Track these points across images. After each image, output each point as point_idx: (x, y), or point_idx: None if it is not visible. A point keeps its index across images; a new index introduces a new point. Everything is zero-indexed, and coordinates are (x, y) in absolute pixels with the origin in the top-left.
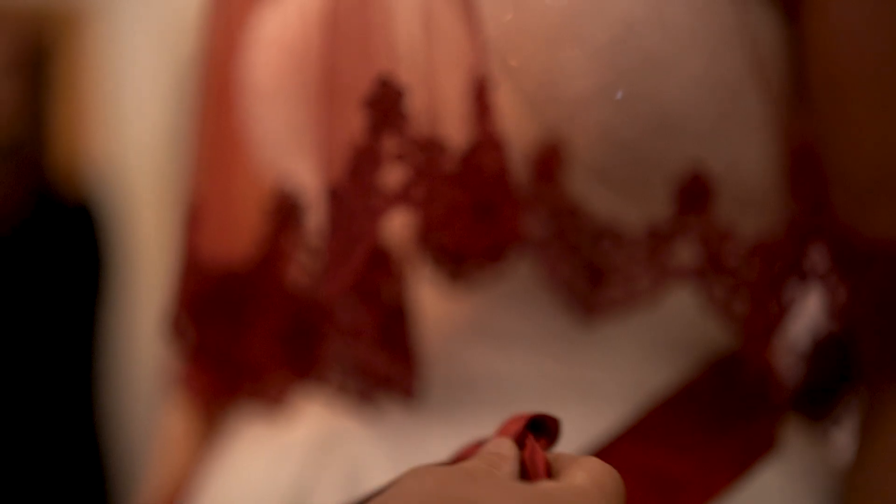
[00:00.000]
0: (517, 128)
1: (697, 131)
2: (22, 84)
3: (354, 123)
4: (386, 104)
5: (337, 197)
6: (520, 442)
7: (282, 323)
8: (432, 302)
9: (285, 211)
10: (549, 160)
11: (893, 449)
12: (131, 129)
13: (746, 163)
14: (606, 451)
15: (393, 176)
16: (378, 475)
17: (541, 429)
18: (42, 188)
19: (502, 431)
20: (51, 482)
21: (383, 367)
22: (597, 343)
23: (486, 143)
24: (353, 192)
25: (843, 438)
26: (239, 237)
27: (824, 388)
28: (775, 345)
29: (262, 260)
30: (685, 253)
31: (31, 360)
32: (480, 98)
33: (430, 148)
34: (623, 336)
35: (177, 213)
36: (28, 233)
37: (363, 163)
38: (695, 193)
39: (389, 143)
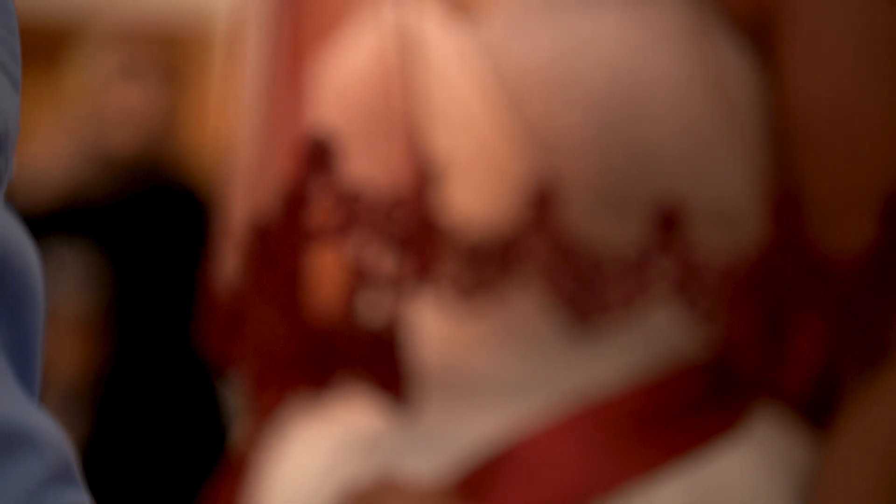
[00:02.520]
0: (519, 163)
1: (677, 164)
2: (167, 95)
3: (289, 168)
4: (319, 153)
5: (264, 233)
6: None
7: (291, 342)
8: (446, 318)
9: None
10: (548, 192)
11: (858, 443)
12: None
13: (723, 191)
14: (561, 427)
15: (320, 218)
16: (409, 473)
17: None
18: (172, 183)
19: None
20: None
21: (373, 378)
22: (591, 354)
23: (413, 192)
24: (281, 230)
25: (819, 435)
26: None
27: (809, 393)
28: (754, 356)
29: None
30: (668, 273)
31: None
32: (412, 152)
33: (358, 195)
34: (614, 348)
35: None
36: (158, 219)
37: (292, 205)
38: (675, 219)
39: (319, 188)
